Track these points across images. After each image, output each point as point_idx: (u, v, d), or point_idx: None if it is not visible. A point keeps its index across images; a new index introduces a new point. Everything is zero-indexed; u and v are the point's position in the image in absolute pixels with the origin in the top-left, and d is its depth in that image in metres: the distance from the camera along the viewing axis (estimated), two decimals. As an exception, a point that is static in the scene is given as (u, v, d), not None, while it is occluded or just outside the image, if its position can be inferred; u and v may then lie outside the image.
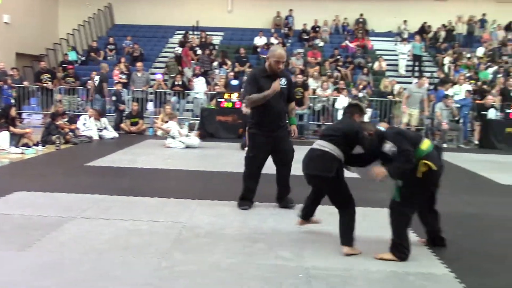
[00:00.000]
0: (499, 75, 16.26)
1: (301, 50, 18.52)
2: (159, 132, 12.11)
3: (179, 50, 17.71)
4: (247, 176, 5.47)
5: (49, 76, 14.74)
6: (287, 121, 5.61)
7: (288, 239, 4.45)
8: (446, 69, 17.73)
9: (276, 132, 5.34)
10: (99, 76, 13.96)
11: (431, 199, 4.26)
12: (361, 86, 14.38)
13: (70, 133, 10.68)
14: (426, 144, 4.00)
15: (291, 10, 21.33)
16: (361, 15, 21.64)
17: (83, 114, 12.26)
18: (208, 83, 15.12)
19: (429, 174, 3.89)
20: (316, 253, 4.10)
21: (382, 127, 4.27)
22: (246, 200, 5.43)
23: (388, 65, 18.62)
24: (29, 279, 3.37)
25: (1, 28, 18.66)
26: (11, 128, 9.45)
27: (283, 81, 5.25)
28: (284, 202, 5.50)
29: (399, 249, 3.94)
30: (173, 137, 10.33)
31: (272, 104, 5.19)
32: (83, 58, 19.08)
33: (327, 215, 4.66)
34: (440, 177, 4.08)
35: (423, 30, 20.66)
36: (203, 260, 3.84)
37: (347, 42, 20.01)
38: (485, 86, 15.31)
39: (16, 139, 9.44)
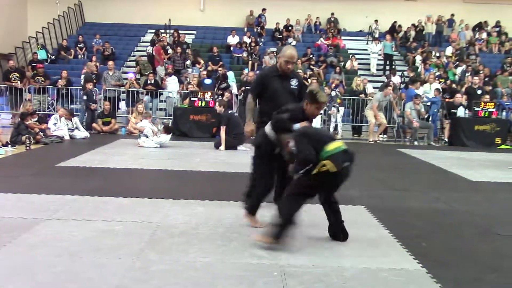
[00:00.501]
0: (467, 74, 16.63)
1: (274, 49, 18.59)
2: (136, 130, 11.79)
3: (150, 49, 17.59)
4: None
5: (18, 75, 14.46)
6: None
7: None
8: (416, 68, 18.03)
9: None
10: (83, 76, 13.77)
11: (330, 195, 4.46)
12: (333, 85, 14.53)
13: (41, 133, 10.50)
14: (333, 146, 4.14)
15: (264, 9, 21.36)
16: (332, 14, 21.82)
17: (53, 114, 12.06)
18: (180, 82, 15.06)
19: (325, 174, 4.05)
20: (290, 250, 4.13)
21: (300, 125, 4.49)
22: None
23: (360, 64, 18.85)
24: (-1, 282, 3.31)
25: (-33, 26, 18.19)
26: (-21, 129, 9.23)
27: (293, 82, 5.19)
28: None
29: (280, 232, 4.10)
30: (146, 136, 10.25)
31: (281, 104, 4.94)
32: (53, 57, 18.75)
33: (304, 214, 4.69)
34: (342, 178, 4.23)
35: (394, 29, 20.97)
36: (178, 260, 3.83)
37: (322, 39, 20.16)
38: (454, 85, 15.65)
39: (-17, 140, 9.23)
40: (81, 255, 3.86)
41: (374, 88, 15.90)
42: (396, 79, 15.97)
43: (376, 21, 21.33)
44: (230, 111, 11.18)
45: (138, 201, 5.57)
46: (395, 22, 21.18)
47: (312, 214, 5.05)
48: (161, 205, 5.43)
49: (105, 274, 3.52)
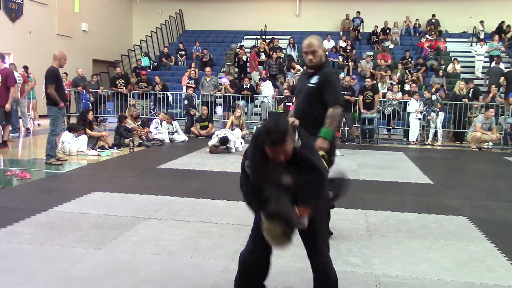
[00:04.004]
0: None
1: (370, 53, 18.20)
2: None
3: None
4: None
5: (123, 81, 15.33)
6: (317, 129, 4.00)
7: (357, 245, 4.36)
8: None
9: None
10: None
11: None
12: (434, 89, 13.91)
13: (143, 136, 11.08)
14: None
15: (358, 12, 21.00)
16: (433, 15, 20.95)
17: (155, 118, 12.66)
18: (275, 86, 15.19)
19: None
20: (386, 260, 3.99)
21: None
22: None
23: (463, 67, 17.90)
24: (103, 277, 3.51)
25: (80, 35, 19.67)
26: (88, 131, 9.91)
27: (313, 79, 4.12)
28: None
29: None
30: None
31: (298, 104, 4.32)
32: (155, 64, 19.71)
33: (396, 222, 4.54)
34: None
35: (501, 30, 19.70)
36: (272, 263, 3.83)
37: (426, 37, 19.41)
38: None
39: (93, 142, 9.89)
40: (180, 254, 4.00)
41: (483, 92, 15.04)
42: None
43: (481, 22, 20.17)
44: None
45: (233, 204, 5.67)
46: (503, 22, 19.88)
47: (408, 222, 4.87)
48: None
49: (201, 273, 3.61)
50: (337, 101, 4.07)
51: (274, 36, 19.43)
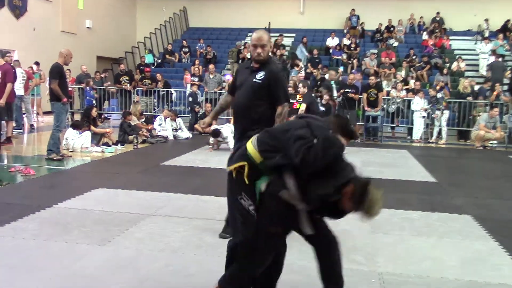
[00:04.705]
0: None
1: (374, 51, 18.16)
2: None
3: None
4: None
5: (127, 78, 15.34)
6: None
7: (361, 243, 4.36)
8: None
9: (242, 139, 3.65)
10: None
11: None
12: (438, 87, 13.87)
13: (147, 133, 11.09)
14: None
15: (353, 9, 20.92)
16: (438, 13, 20.87)
17: (159, 115, 12.68)
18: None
19: None
20: (390, 258, 3.99)
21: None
22: None
23: (467, 65, 17.84)
24: (107, 273, 3.52)
25: (84, 32, 19.68)
26: (92, 128, 9.92)
27: (260, 75, 3.95)
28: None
29: None
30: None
31: (238, 101, 4.08)
32: (159, 61, 19.72)
33: (400, 220, 4.54)
34: None
35: (506, 28, 19.61)
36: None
37: (429, 37, 19.37)
38: None
39: (97, 139, 9.91)
40: (183, 251, 4.01)
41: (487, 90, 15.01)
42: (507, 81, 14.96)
43: (486, 20, 20.09)
44: (313, 95, 11.07)
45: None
46: (508, 20, 19.79)
47: (412, 220, 4.86)
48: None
49: (204, 270, 3.62)
50: (287, 99, 4.09)
51: (282, 34, 19.38)
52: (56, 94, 8.07)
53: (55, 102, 8.16)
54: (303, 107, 9.97)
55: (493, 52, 16.95)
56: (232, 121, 12.25)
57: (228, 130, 10.19)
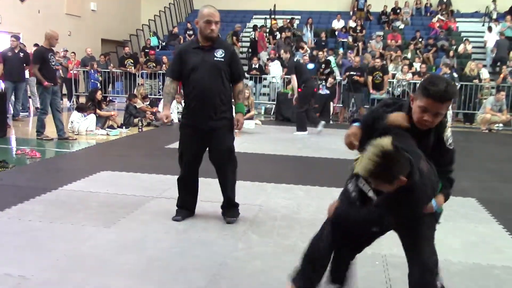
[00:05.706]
0: None
1: (380, 33, 18.01)
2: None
3: (253, 34, 17.89)
4: (178, 180, 4.47)
5: (132, 61, 15.32)
6: (229, 109, 4.17)
7: (365, 225, 4.37)
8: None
9: (208, 123, 4.01)
10: None
11: None
12: (445, 70, 13.76)
13: (152, 116, 11.10)
14: None
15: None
16: (445, -5, 20.64)
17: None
18: (284, 66, 15.10)
19: None
20: (394, 240, 3.99)
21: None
22: (181, 209, 4.42)
23: (474, 47, 17.67)
24: (113, 254, 3.55)
25: (88, 15, 19.60)
26: (97, 111, 9.93)
27: (219, 53, 3.95)
28: (228, 215, 4.40)
29: None
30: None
31: (202, 83, 3.93)
32: (164, 44, 19.63)
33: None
34: None
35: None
36: (279, 243, 3.86)
37: (437, 17, 19.14)
38: None
39: (102, 121, 9.93)
40: (188, 233, 4.03)
41: (490, 73, 14.89)
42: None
43: (494, 1, 19.84)
44: (296, 59, 11.07)
45: (241, 183, 5.66)
46: (516, 1, 19.55)
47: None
48: (263, 188, 5.51)
49: (210, 252, 3.64)
50: (244, 75, 4.19)
51: (293, 17, 19.24)
52: (38, 79, 8.09)
53: (39, 86, 8.22)
54: (294, 92, 10.02)
55: (501, 34, 16.77)
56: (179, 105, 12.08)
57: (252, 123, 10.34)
